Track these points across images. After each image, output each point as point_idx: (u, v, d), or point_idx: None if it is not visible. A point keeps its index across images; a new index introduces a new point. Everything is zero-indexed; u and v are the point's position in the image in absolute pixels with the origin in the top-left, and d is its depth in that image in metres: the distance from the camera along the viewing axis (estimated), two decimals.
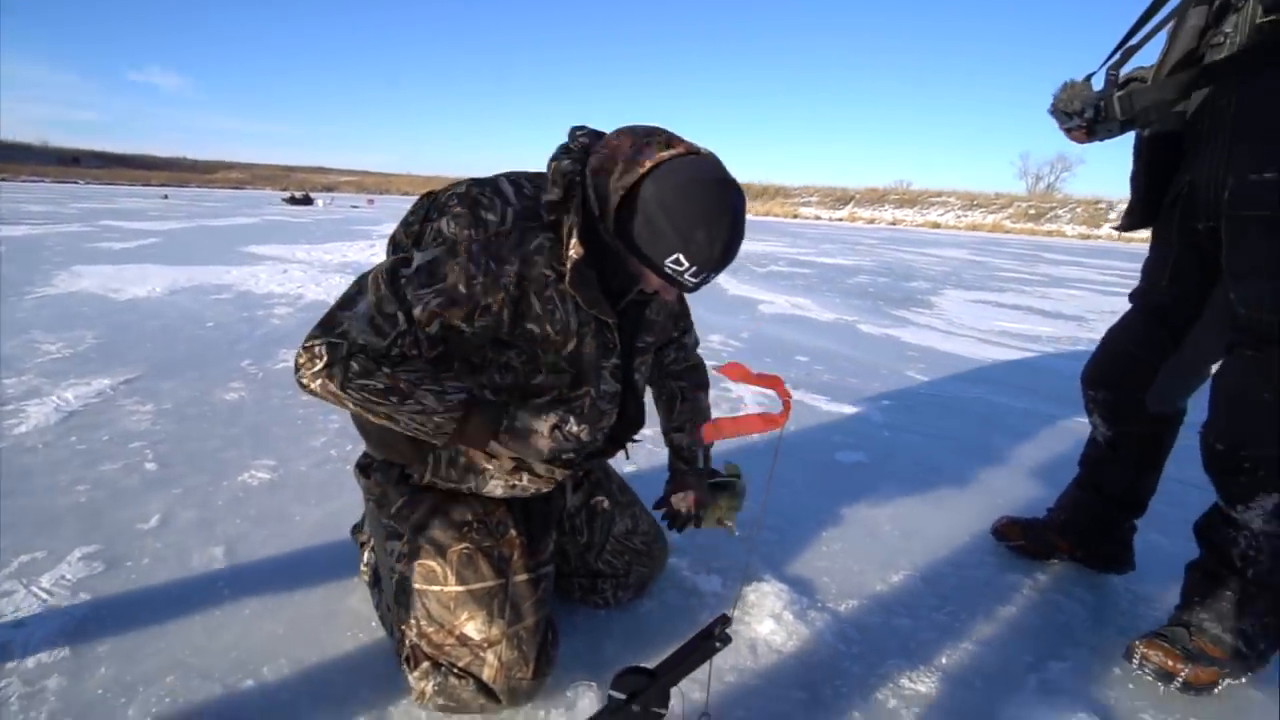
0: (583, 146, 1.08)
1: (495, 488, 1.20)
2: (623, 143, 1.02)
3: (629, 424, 1.28)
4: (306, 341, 1.02)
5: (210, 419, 2.55)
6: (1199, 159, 1.26)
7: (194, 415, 2.58)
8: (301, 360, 1.02)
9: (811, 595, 1.54)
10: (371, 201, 34.74)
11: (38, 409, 2.56)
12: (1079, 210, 38.29)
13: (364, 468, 1.30)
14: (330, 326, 1.02)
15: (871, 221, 44.19)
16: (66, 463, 2.09)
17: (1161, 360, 1.42)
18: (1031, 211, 40.50)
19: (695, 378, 1.50)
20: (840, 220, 46.03)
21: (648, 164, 0.99)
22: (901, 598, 1.55)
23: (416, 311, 1.01)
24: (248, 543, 1.65)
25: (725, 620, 0.77)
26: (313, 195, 34.55)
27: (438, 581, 1.13)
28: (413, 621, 1.13)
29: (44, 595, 1.44)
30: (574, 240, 1.02)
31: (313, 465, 2.16)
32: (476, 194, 1.04)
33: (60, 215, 14.58)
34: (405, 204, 37.47)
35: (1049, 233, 35.90)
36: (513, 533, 1.20)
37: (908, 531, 1.89)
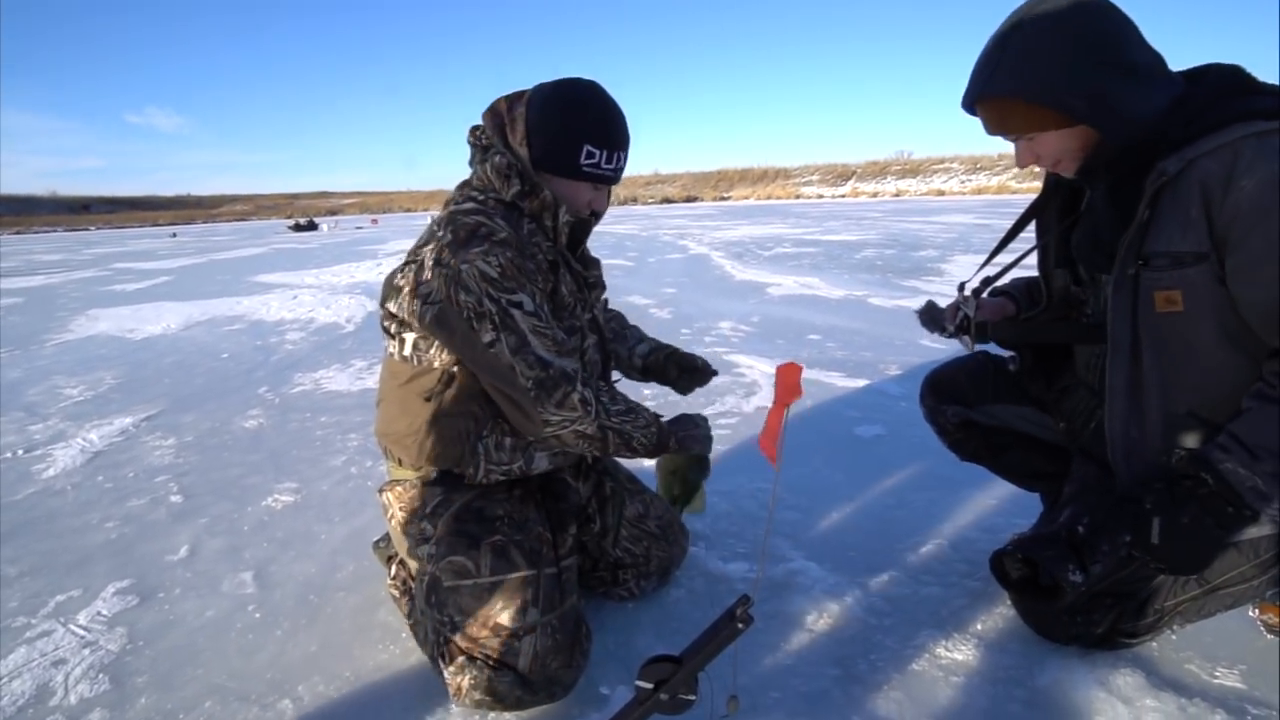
0: (489, 138, 1.25)
1: (542, 461, 1.27)
2: (498, 108, 1.25)
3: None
4: (563, 403, 1.14)
5: (231, 447, 2.58)
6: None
7: (215, 445, 2.61)
8: (571, 418, 1.15)
9: (840, 570, 1.52)
10: (375, 221, 35.01)
11: (64, 452, 2.60)
12: None
13: (388, 487, 1.32)
14: (557, 381, 1.14)
15: (875, 195, 43.80)
16: (95, 502, 2.13)
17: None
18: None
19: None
20: (843, 196, 45.69)
21: (520, 108, 1.22)
22: (931, 566, 1.53)
23: (556, 327, 1.17)
24: (276, 565, 1.66)
25: (747, 601, 0.77)
26: (317, 220, 34.86)
27: (470, 575, 1.15)
28: (445, 618, 1.14)
29: (81, 632, 1.46)
30: (562, 209, 1.23)
31: (334, 484, 2.17)
32: (475, 229, 1.15)
33: (74, 262, 14.85)
34: (408, 221, 37.83)
35: None
36: (540, 528, 1.23)
37: (932, 500, 1.86)
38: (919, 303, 1.45)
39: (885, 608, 1.39)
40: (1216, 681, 1.16)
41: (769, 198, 48.02)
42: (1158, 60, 1.05)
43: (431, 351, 1.22)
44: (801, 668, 1.23)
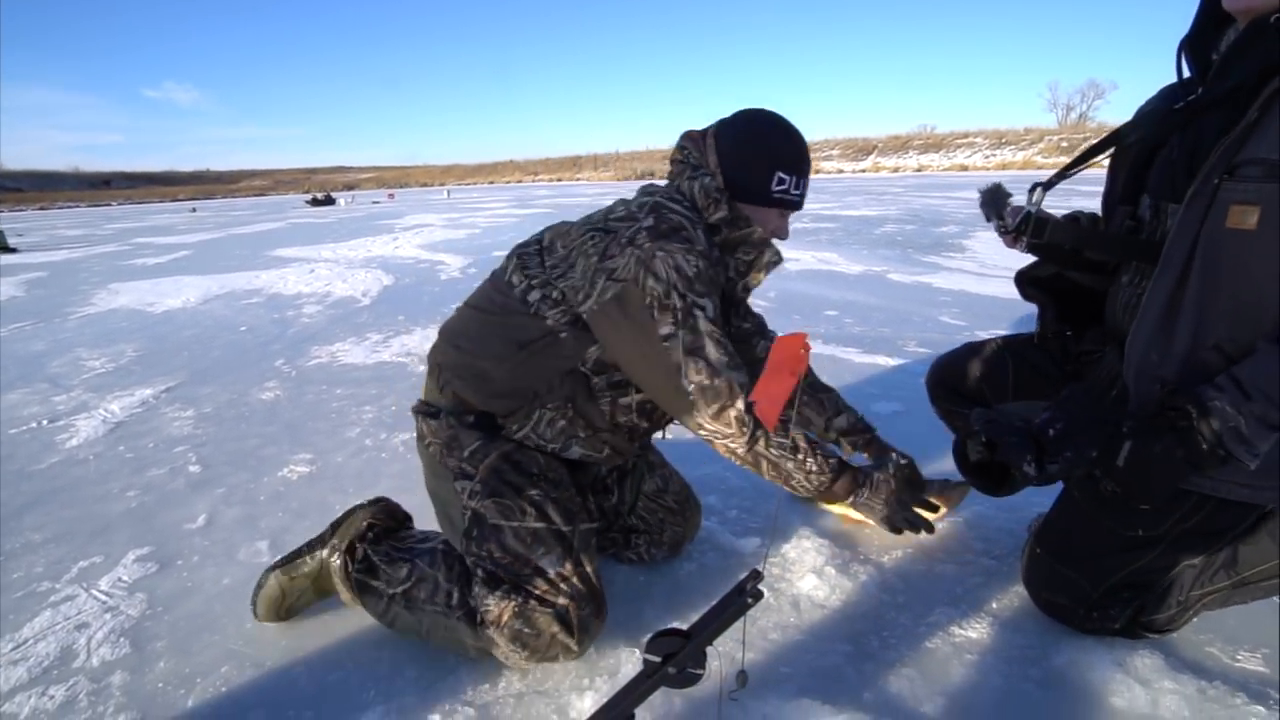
0: (699, 159, 1.27)
1: (575, 452, 1.28)
2: (694, 135, 1.29)
3: None
4: (719, 415, 1.13)
5: (248, 419, 2.60)
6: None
7: (233, 417, 2.64)
8: (727, 433, 1.15)
9: (853, 548, 1.51)
10: (392, 195, 35.02)
11: (86, 422, 2.64)
12: None
13: (428, 413, 1.31)
14: (720, 392, 1.13)
15: (896, 170, 42.99)
16: (116, 471, 2.16)
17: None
18: (1064, 145, 38.84)
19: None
20: (863, 171, 44.90)
21: (710, 140, 1.26)
22: (946, 545, 1.52)
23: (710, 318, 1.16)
24: (291, 534, 1.68)
25: (756, 576, 0.75)
26: (334, 195, 34.98)
27: (515, 518, 1.17)
28: (485, 552, 1.16)
29: (103, 597, 1.49)
30: (770, 251, 1.29)
31: (349, 456, 2.19)
32: (678, 227, 1.16)
33: (96, 237, 15.03)
34: (425, 195, 37.73)
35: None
36: (573, 490, 1.27)
37: (950, 476, 1.83)
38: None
39: (899, 585, 1.38)
40: (1239, 665, 1.13)
41: None
42: None
43: (551, 310, 1.21)
44: (813, 644, 1.22)
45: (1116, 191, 1.23)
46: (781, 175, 1.23)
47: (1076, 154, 1.25)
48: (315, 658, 1.25)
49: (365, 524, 1.33)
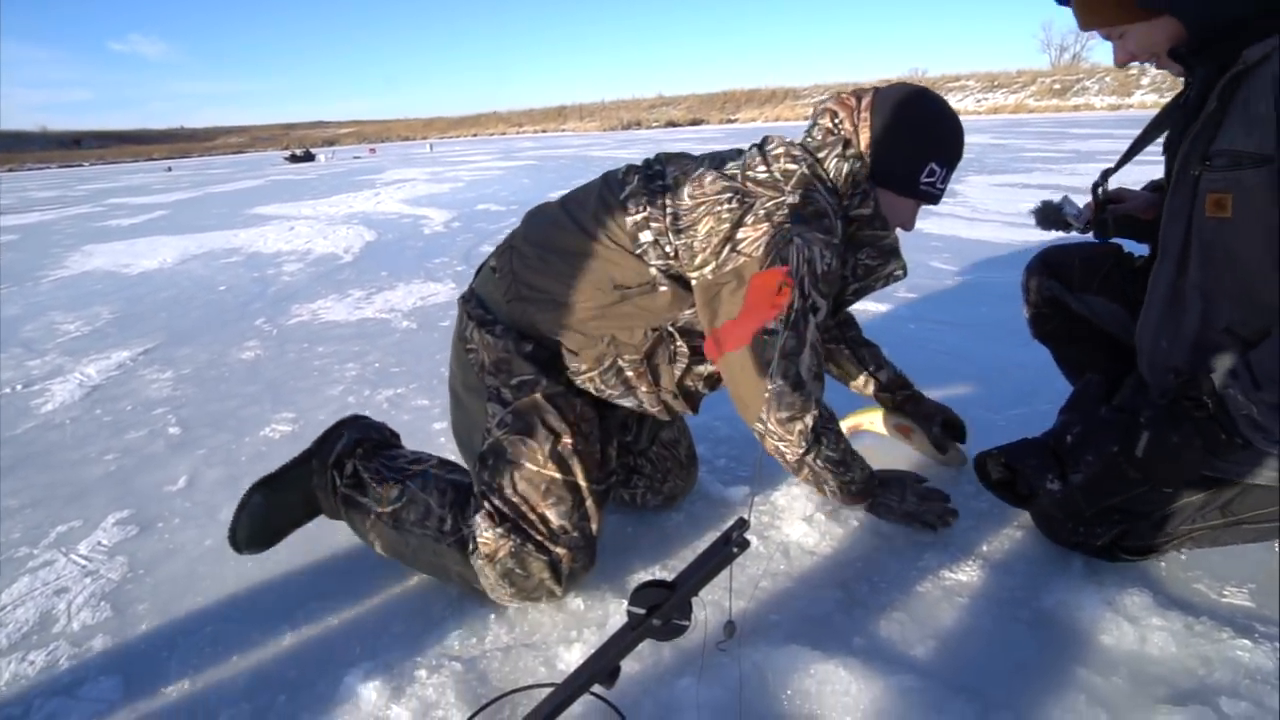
0: (850, 132, 1.18)
1: (629, 403, 1.26)
2: (848, 103, 1.19)
3: None
4: (787, 422, 1.12)
5: (229, 379, 2.55)
6: None
7: (213, 377, 2.59)
8: (787, 440, 1.13)
9: None
10: (373, 150, 34.19)
11: (61, 386, 2.58)
12: (1108, 80, 35.98)
13: (485, 320, 1.23)
14: (794, 404, 1.11)
15: None
16: (94, 435, 2.12)
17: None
18: (1056, 86, 38.20)
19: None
20: None
21: (864, 113, 1.16)
22: (936, 487, 1.50)
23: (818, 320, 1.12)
24: None
25: (742, 524, 0.73)
26: (314, 151, 34.06)
27: (535, 462, 1.14)
28: (496, 484, 1.15)
29: (82, 562, 1.46)
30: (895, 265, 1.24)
31: (332, 414, 2.14)
32: (822, 215, 1.11)
33: (68, 198, 14.61)
34: (407, 149, 36.83)
35: (1075, 108, 33.95)
36: (599, 445, 1.24)
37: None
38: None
39: (888, 530, 1.37)
40: (1225, 600, 1.13)
41: (777, 119, 46.37)
42: None
43: (658, 260, 1.14)
44: (802, 591, 1.22)
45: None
46: (934, 166, 1.16)
47: (1132, 144, 1.25)
48: (299, 616, 1.23)
49: (354, 440, 1.30)
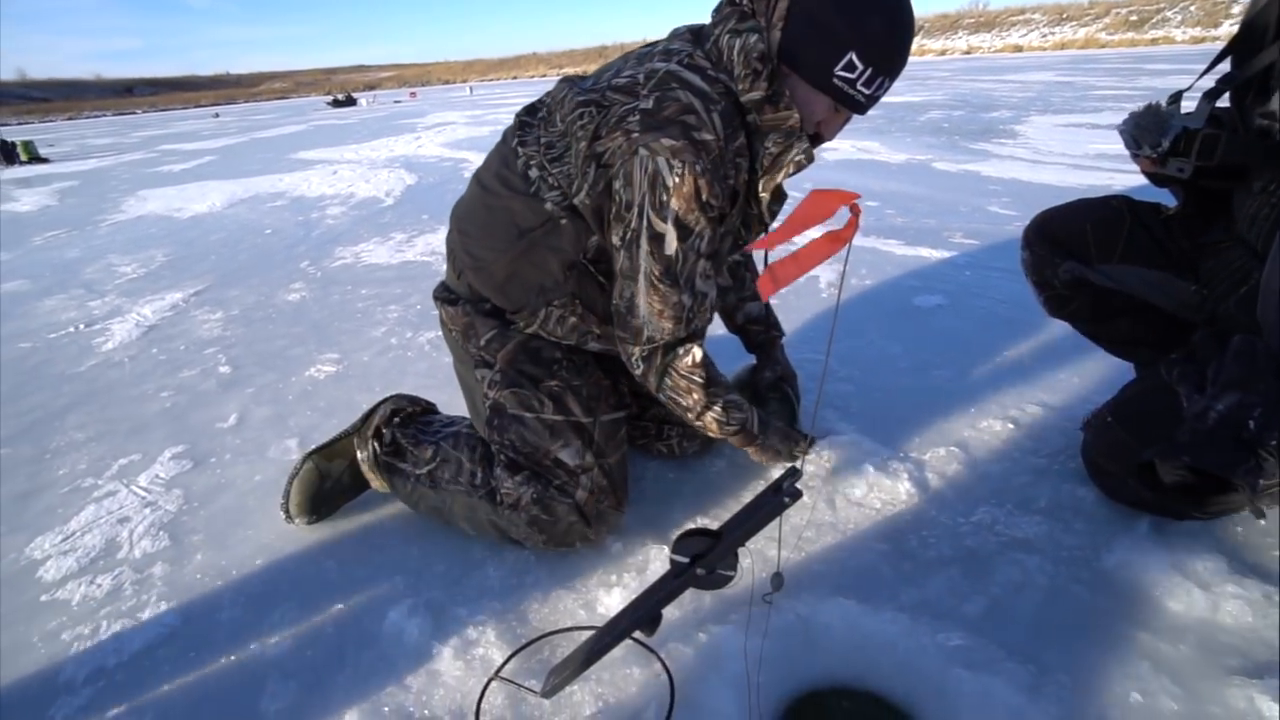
0: (753, 4, 1.01)
1: (593, 347, 1.23)
2: None
3: None
4: (621, 343, 1.10)
5: (276, 320, 2.59)
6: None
7: (260, 318, 2.63)
8: (624, 361, 1.13)
9: (893, 445, 1.44)
10: (414, 94, 33.96)
11: (120, 326, 2.67)
12: (1192, 9, 33.10)
13: (447, 299, 1.25)
14: (628, 325, 1.07)
15: (943, 53, 39.92)
16: (150, 373, 2.18)
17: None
18: (1133, 18, 35.39)
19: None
20: None
21: None
22: (991, 443, 1.44)
23: (699, 280, 1.04)
24: (319, 432, 1.67)
25: (795, 474, 0.69)
26: (355, 96, 34.06)
27: (534, 409, 1.14)
28: (507, 441, 1.15)
29: (142, 493, 1.52)
30: (799, 147, 1.03)
31: (375, 355, 2.17)
32: (681, 113, 0.95)
33: (123, 145, 14.97)
34: (447, 94, 36.55)
35: (1153, 41, 31.42)
36: (599, 373, 1.22)
37: (996, 373, 1.74)
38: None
39: (939, 483, 1.32)
40: None
41: None
42: None
43: (550, 193, 1.08)
44: (849, 543, 1.18)
45: (1252, 90, 1.04)
46: (854, 59, 0.95)
47: (1211, 61, 1.08)
48: (346, 552, 1.26)
49: (390, 410, 1.32)
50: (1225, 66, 1.08)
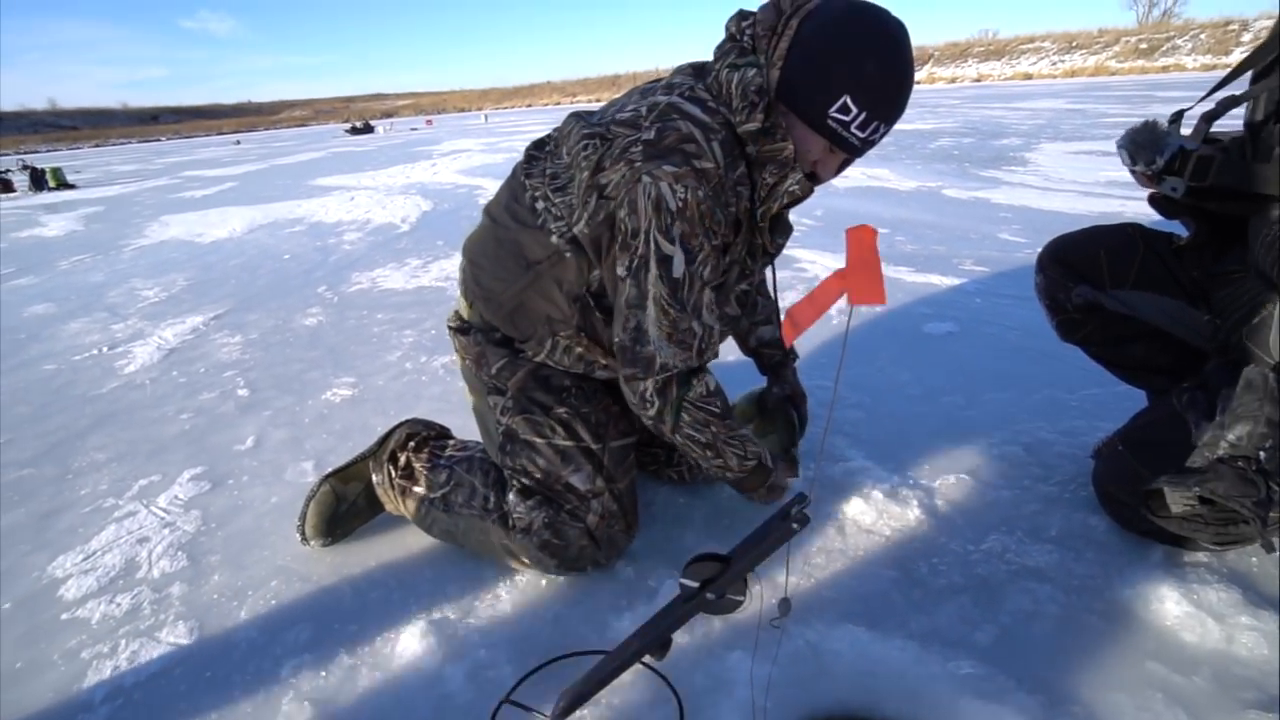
0: (755, 41, 1.03)
1: (600, 375, 1.24)
2: (781, 6, 1.01)
3: None
4: (629, 381, 1.09)
5: (293, 344, 2.64)
6: None
7: (278, 342, 2.68)
8: (633, 402, 1.11)
9: (903, 472, 1.45)
10: (430, 122, 34.60)
11: (142, 349, 2.73)
12: (1202, 37, 33.18)
13: (460, 329, 1.28)
14: (636, 360, 1.06)
15: (953, 80, 40.23)
16: (170, 395, 2.23)
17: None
18: (1143, 46, 35.53)
19: None
20: (917, 83, 42.10)
21: (795, 16, 0.99)
22: (1002, 470, 1.44)
23: (704, 311, 1.05)
24: (335, 455, 1.70)
25: (803, 499, 0.70)
26: (373, 123, 34.76)
27: (545, 435, 1.17)
28: (519, 466, 1.17)
29: (161, 513, 1.54)
30: (794, 177, 1.04)
31: (390, 379, 2.20)
32: (682, 142, 0.98)
33: (147, 172, 15.33)
34: (462, 121, 37.20)
35: (1164, 69, 31.47)
36: (608, 399, 1.24)
37: (1007, 400, 1.74)
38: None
39: (950, 511, 1.32)
40: None
41: None
42: None
43: (555, 224, 1.10)
44: (859, 569, 1.18)
45: (1260, 108, 1.05)
46: (849, 102, 0.96)
47: (1233, 67, 1.07)
48: (359, 575, 1.27)
49: (405, 434, 1.34)
50: (1226, 89, 1.10)
